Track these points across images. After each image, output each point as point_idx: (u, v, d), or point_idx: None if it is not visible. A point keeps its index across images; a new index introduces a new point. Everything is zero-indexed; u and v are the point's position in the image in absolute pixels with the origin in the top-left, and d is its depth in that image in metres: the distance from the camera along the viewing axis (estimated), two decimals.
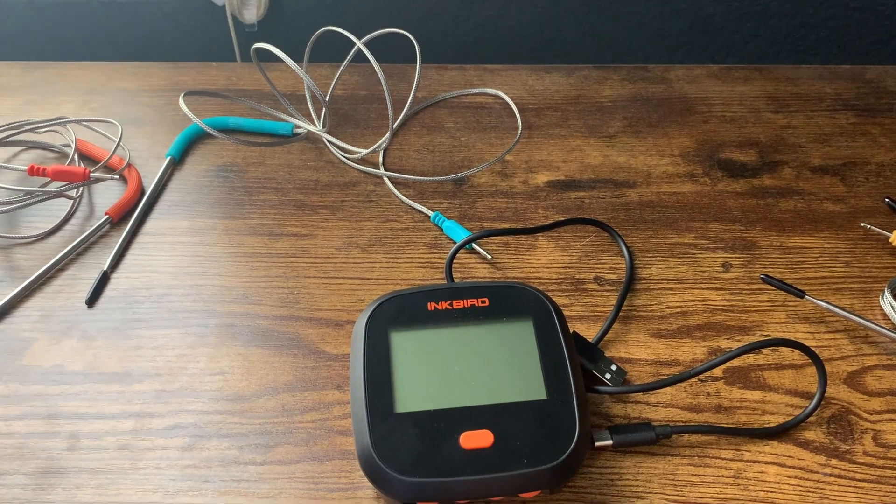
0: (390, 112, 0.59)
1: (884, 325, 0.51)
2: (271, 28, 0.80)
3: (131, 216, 0.58)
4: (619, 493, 0.43)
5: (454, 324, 0.43)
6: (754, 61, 0.84)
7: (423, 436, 0.39)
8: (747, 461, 0.44)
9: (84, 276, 0.54)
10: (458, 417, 0.39)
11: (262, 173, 0.62)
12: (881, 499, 0.43)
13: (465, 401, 0.40)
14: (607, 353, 0.50)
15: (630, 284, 0.54)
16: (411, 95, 0.63)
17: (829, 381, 0.48)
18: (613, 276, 0.55)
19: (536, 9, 0.79)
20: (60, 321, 0.51)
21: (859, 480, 0.43)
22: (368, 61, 0.58)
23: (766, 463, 0.44)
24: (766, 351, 0.50)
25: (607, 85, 0.72)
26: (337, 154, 0.64)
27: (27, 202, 0.56)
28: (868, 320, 0.50)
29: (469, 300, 0.44)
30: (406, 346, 0.42)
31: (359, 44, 0.59)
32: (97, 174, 0.57)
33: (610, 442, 0.44)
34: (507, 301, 0.44)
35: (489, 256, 0.55)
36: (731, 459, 0.44)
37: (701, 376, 0.48)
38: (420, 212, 0.59)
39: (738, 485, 0.43)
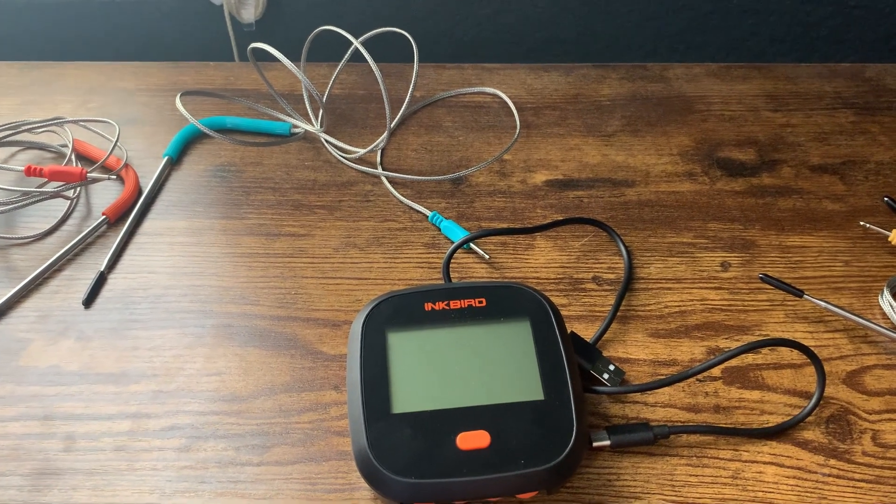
0: (388, 111, 0.59)
1: (883, 325, 0.51)
2: (269, 28, 0.80)
3: (128, 216, 0.57)
4: (616, 494, 0.43)
5: (451, 324, 0.43)
6: (753, 60, 0.84)
7: (419, 436, 0.39)
8: (746, 461, 0.44)
9: (81, 276, 0.54)
10: (454, 418, 0.39)
11: (260, 173, 0.62)
12: (880, 499, 0.42)
13: (463, 401, 0.40)
14: (605, 353, 0.49)
15: (628, 284, 0.54)
16: (409, 95, 0.63)
17: (827, 381, 0.48)
18: (612, 276, 0.54)
19: (535, 7, 0.79)
20: (57, 322, 0.51)
21: (858, 480, 0.43)
22: (366, 61, 0.57)
23: (765, 463, 0.44)
24: (764, 350, 0.50)
25: (606, 84, 0.72)
26: (334, 154, 0.64)
27: (24, 202, 0.56)
28: (867, 320, 0.50)
29: (466, 300, 0.44)
30: (403, 346, 0.42)
31: (356, 43, 0.59)
32: (94, 174, 0.57)
33: (608, 442, 0.44)
34: (505, 301, 0.44)
35: (487, 256, 0.55)
36: (730, 459, 0.44)
37: (699, 376, 0.48)
38: (418, 211, 0.59)
39: (737, 485, 0.43)
